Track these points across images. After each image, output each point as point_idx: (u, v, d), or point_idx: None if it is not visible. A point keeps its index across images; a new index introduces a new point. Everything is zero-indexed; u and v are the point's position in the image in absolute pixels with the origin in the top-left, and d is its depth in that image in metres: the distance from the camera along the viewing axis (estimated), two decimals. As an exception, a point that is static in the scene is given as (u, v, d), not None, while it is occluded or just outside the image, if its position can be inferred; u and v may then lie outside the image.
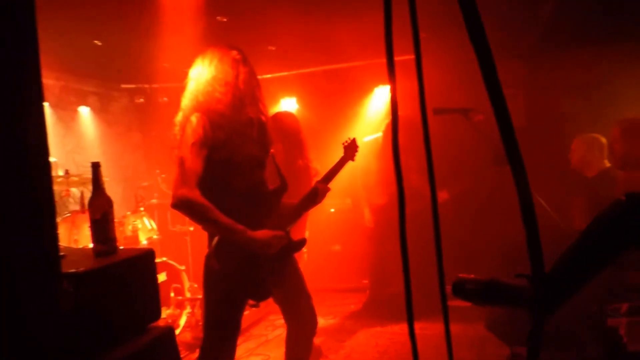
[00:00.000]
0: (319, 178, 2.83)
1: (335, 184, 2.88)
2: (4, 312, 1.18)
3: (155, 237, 4.39)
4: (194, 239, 4.93)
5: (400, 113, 3.61)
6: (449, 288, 3.54)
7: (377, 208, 5.00)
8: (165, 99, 5.89)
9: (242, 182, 2.39)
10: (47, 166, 1.37)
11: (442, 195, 4.91)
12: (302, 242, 2.60)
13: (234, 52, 2.45)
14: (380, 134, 5.08)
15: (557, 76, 4.71)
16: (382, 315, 4.78)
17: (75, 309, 1.57)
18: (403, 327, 4.49)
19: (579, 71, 4.55)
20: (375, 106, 5.73)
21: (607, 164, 3.71)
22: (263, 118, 2.55)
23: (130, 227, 4.14)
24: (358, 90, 5.68)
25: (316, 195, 2.71)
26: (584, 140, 3.79)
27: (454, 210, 5.02)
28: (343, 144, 3.06)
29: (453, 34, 4.25)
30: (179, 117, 2.44)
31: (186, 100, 2.43)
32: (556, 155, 4.08)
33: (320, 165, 3.76)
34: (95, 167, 1.83)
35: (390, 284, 5.20)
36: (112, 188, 4.55)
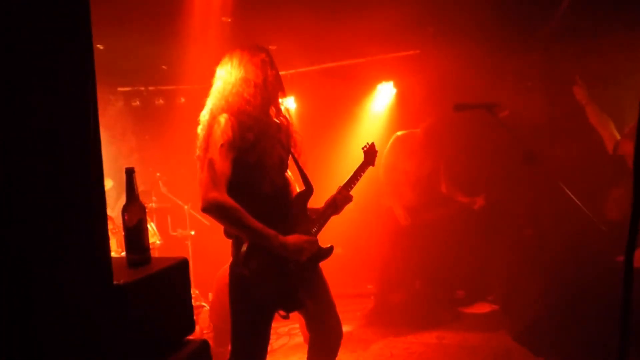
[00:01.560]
0: (341, 185, 2.72)
1: (340, 183, 2.75)
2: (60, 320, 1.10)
3: (158, 242, 4.26)
4: (195, 243, 4.83)
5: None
6: (461, 293, 3.42)
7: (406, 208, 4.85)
8: (161, 101, 5.75)
9: (269, 186, 2.33)
10: (101, 178, 1.29)
11: (479, 202, 4.78)
12: (330, 249, 2.52)
13: (263, 54, 2.41)
14: (417, 130, 4.88)
15: (577, 67, 4.40)
16: (393, 322, 4.66)
17: (116, 322, 1.46)
18: (418, 336, 4.41)
19: (600, 61, 4.37)
20: (380, 103, 5.60)
21: None
22: (289, 121, 2.47)
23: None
24: (360, 88, 5.57)
25: (337, 204, 2.62)
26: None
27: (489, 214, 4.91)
28: (363, 148, 2.96)
29: (467, 27, 4.27)
30: (205, 116, 2.36)
31: (214, 100, 2.37)
32: (585, 146, 3.98)
33: (317, 163, 3.60)
34: (130, 173, 1.74)
35: (398, 290, 5.10)
36: (108, 192, 4.41)
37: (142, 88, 5.70)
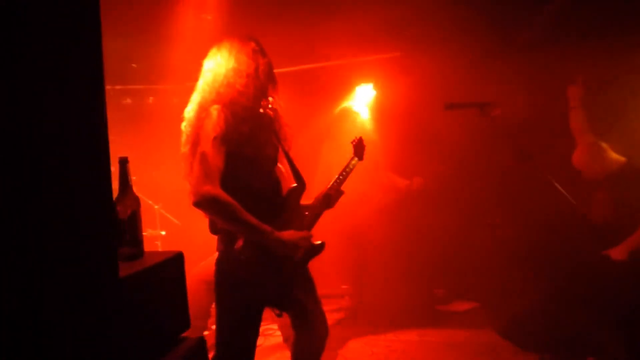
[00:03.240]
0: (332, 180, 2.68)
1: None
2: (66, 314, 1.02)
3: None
4: (165, 244, 4.67)
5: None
6: (440, 292, 3.45)
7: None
8: (129, 100, 5.56)
9: (263, 180, 2.28)
10: (108, 173, 1.23)
11: (417, 180, 4.82)
12: (322, 245, 2.47)
13: (253, 43, 2.35)
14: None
15: (560, 71, 4.47)
16: (372, 321, 4.61)
17: (111, 318, 1.37)
18: (398, 334, 4.38)
19: (582, 65, 4.31)
20: (358, 106, 5.57)
21: (620, 157, 3.64)
22: (281, 115, 2.40)
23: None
24: (339, 89, 5.51)
25: (329, 199, 2.57)
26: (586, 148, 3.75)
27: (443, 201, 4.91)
28: (352, 142, 2.93)
29: (449, 30, 4.30)
30: (191, 112, 2.25)
31: (203, 93, 2.28)
32: (567, 150, 3.94)
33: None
34: (123, 163, 1.65)
35: (375, 287, 5.06)
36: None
37: (109, 87, 5.50)
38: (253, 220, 2.10)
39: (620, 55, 4.20)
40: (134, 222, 1.65)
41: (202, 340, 1.74)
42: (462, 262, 5.02)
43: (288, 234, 2.21)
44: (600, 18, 4.04)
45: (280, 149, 2.45)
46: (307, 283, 2.49)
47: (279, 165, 2.48)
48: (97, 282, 1.18)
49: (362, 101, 5.43)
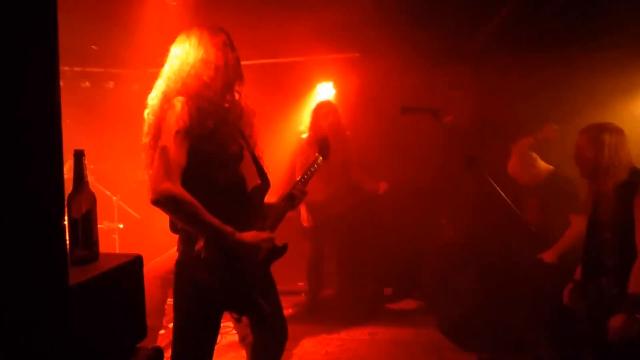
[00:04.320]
0: (297, 179, 2.58)
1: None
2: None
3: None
4: (123, 238, 4.45)
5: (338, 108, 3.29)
6: (389, 290, 3.43)
7: (315, 205, 4.75)
8: (88, 84, 5.29)
9: (226, 178, 2.10)
10: (60, 170, 1.08)
11: (382, 186, 4.80)
12: (285, 247, 2.33)
13: (223, 36, 2.18)
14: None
15: (501, 81, 4.76)
16: (325, 320, 4.56)
17: (59, 330, 1.22)
18: (351, 333, 4.34)
19: (522, 77, 4.61)
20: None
21: (548, 166, 3.83)
22: (246, 111, 2.26)
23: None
24: (299, 86, 5.43)
25: (293, 199, 2.46)
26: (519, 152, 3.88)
27: (396, 202, 4.96)
28: (316, 141, 2.85)
29: (404, 35, 4.30)
30: (155, 100, 2.09)
31: (168, 82, 2.10)
32: (506, 157, 4.09)
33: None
34: (79, 156, 1.47)
35: (328, 286, 5.05)
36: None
37: (67, 68, 5.21)
38: (214, 221, 1.95)
39: (553, 66, 4.41)
40: (88, 222, 1.47)
41: (159, 351, 1.60)
42: (411, 262, 5.12)
43: (250, 236, 2.07)
44: (537, 33, 4.21)
45: (245, 146, 2.31)
46: (268, 286, 2.34)
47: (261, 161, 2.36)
48: (43, 291, 1.03)
49: (322, 98, 5.39)
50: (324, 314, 4.66)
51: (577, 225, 3.45)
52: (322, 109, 4.63)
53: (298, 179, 2.55)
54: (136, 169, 5.18)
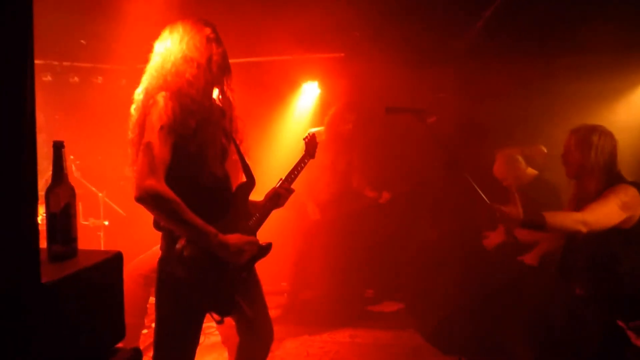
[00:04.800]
0: (282, 178, 2.52)
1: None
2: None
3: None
4: (108, 235, 4.35)
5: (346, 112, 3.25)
6: (370, 292, 3.41)
7: (319, 204, 4.71)
8: (77, 79, 5.19)
9: (210, 177, 2.04)
10: (34, 162, 1.01)
11: (385, 196, 4.80)
12: (268, 247, 2.27)
13: (208, 30, 2.10)
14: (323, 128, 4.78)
15: (484, 84, 4.80)
16: (307, 321, 4.50)
17: (36, 328, 1.15)
18: (332, 335, 4.30)
19: (504, 80, 4.66)
20: (304, 102, 5.45)
21: (533, 170, 3.86)
22: (233, 107, 2.20)
23: (39, 219, 3.51)
24: (284, 85, 5.37)
25: (279, 198, 2.40)
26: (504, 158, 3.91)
27: (398, 211, 5.00)
28: (304, 139, 2.80)
29: (390, 36, 4.29)
30: (141, 95, 2.03)
31: (151, 78, 2.03)
32: (488, 162, 4.09)
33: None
34: (58, 147, 1.40)
35: (311, 286, 4.98)
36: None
37: (56, 62, 5.11)
38: (197, 220, 1.88)
39: (535, 71, 4.48)
40: (67, 216, 1.39)
41: (137, 352, 1.53)
42: (392, 263, 5.13)
43: (233, 238, 2.00)
44: (520, 37, 4.23)
45: (231, 144, 2.23)
46: (253, 287, 2.28)
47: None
48: (14, 288, 0.96)
49: (308, 98, 5.35)
50: (306, 315, 4.61)
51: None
52: (345, 113, 4.59)
53: (284, 178, 2.49)
54: (123, 166, 5.09)
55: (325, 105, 5.25)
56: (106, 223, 4.28)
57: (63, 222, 1.39)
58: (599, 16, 3.81)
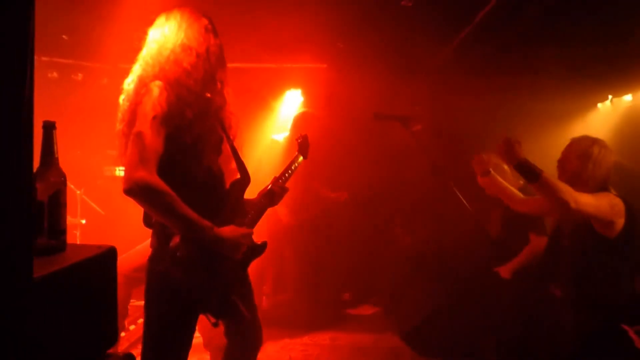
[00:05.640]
0: (276, 175, 2.40)
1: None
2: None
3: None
4: (85, 234, 4.12)
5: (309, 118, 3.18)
6: (347, 295, 3.33)
7: (287, 207, 4.62)
8: (55, 74, 4.95)
9: (205, 172, 1.88)
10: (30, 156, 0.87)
11: (343, 195, 4.79)
12: (264, 245, 2.12)
13: (205, 20, 1.95)
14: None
15: (453, 98, 4.94)
16: (286, 324, 4.36)
17: (19, 330, 0.97)
18: (313, 337, 4.20)
19: (469, 96, 4.77)
20: (287, 109, 5.36)
21: (519, 181, 3.76)
22: (227, 103, 2.05)
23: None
24: (268, 92, 5.31)
25: (274, 195, 2.27)
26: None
27: (372, 215, 5.04)
28: (296, 139, 2.72)
29: (369, 48, 4.33)
30: (131, 84, 1.86)
31: (145, 66, 1.86)
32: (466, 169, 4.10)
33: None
34: (48, 128, 1.23)
35: (288, 289, 4.87)
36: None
37: (34, 56, 4.86)
38: (191, 214, 1.72)
39: (500, 90, 4.62)
40: (56, 206, 1.21)
41: (131, 358, 1.37)
42: (367, 267, 5.14)
43: (228, 230, 1.85)
44: (487, 58, 4.38)
45: (225, 139, 2.09)
46: (245, 288, 2.12)
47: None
48: (4, 283, 0.80)
49: (291, 105, 5.30)
50: (286, 318, 4.48)
51: (535, 245, 3.52)
52: (303, 119, 4.51)
53: (277, 176, 2.37)
54: (102, 164, 4.87)
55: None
56: (83, 222, 4.05)
57: (51, 211, 1.21)
58: (557, 41, 3.97)
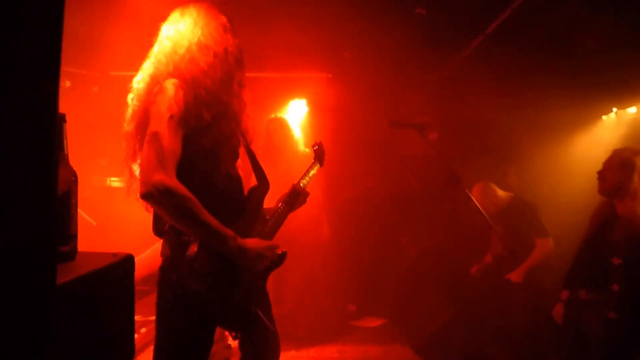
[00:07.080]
0: (294, 182, 2.24)
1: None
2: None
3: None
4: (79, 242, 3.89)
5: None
6: (352, 307, 3.18)
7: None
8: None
9: (223, 177, 1.72)
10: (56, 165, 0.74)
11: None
12: (284, 255, 1.95)
13: (224, 18, 1.79)
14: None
15: (458, 111, 4.92)
16: (290, 336, 4.09)
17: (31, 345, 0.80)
18: (319, 350, 4.03)
19: (474, 109, 4.75)
20: (291, 119, 5.23)
21: (507, 193, 3.93)
22: (245, 105, 1.88)
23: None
24: (273, 101, 5.16)
25: (297, 197, 2.13)
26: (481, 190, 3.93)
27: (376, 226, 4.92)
28: (312, 146, 2.55)
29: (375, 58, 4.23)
30: (142, 83, 1.70)
31: (158, 64, 1.69)
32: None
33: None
34: (59, 121, 1.07)
35: (288, 300, 4.67)
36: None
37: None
38: (213, 221, 1.55)
39: (503, 105, 4.51)
40: (66, 207, 1.06)
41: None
42: (371, 278, 5.02)
43: (252, 242, 1.69)
44: (495, 72, 4.31)
45: (242, 143, 1.92)
46: (264, 299, 1.96)
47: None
48: (28, 292, 0.66)
49: (295, 115, 5.16)
50: (291, 330, 4.16)
51: (542, 247, 3.61)
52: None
53: (296, 183, 2.21)
54: (91, 175, 4.63)
55: (313, 122, 5.13)
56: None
57: (61, 213, 1.05)
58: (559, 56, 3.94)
